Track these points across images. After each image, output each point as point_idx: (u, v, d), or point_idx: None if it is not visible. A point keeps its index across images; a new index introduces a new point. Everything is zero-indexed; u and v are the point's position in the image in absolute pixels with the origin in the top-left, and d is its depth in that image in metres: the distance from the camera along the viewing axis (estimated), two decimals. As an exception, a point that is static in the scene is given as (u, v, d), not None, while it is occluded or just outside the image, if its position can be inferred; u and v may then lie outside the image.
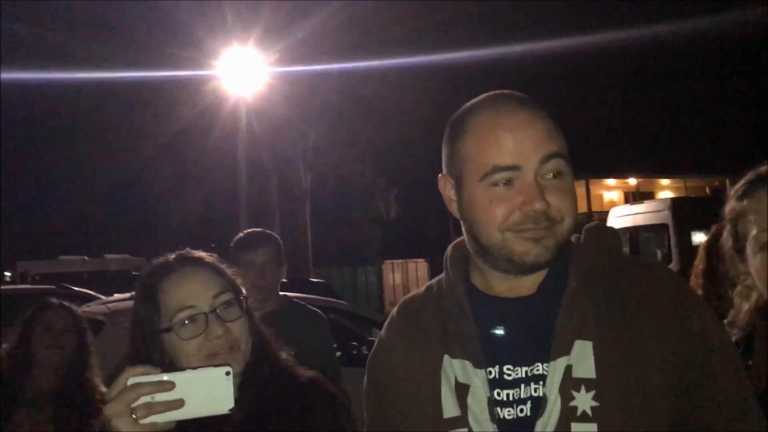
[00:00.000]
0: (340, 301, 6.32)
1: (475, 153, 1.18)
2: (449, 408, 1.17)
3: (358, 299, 19.39)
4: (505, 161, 1.15)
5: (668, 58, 26.46)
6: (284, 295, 3.09)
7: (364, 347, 5.09)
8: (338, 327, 5.11)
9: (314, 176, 23.42)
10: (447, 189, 1.25)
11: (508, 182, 1.15)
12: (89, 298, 7.02)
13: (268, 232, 3.08)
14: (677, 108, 27.75)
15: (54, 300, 2.70)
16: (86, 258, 21.82)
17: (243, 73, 16.61)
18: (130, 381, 1.14)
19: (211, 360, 1.30)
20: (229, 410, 1.17)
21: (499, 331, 1.19)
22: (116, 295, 5.72)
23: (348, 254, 24.34)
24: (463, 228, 1.24)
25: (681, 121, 27.47)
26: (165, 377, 1.15)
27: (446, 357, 1.20)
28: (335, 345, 3.40)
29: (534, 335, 1.17)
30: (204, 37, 18.30)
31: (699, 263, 2.63)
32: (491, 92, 1.24)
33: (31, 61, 18.93)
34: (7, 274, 23.06)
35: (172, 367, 1.30)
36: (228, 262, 2.96)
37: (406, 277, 21.83)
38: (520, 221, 1.14)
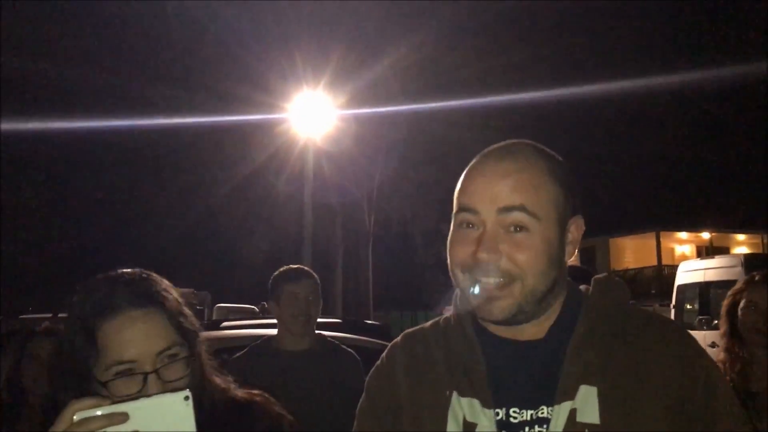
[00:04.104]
0: (383, 342, 6.26)
1: (457, 194, 1.24)
2: None
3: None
4: (467, 203, 1.19)
5: (746, 106, 25.66)
6: (319, 333, 3.10)
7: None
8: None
9: (378, 218, 23.55)
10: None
11: (470, 225, 1.19)
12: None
13: (308, 268, 3.11)
14: (756, 160, 26.78)
15: (38, 328, 2.66)
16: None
17: (312, 115, 16.99)
18: (77, 416, 1.01)
19: None
20: None
21: (508, 374, 1.20)
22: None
23: (409, 298, 24.21)
24: None
25: (760, 173, 26.48)
26: (117, 408, 1.04)
27: (455, 394, 1.20)
28: None
29: (541, 379, 1.18)
30: (275, 82, 18.87)
31: (722, 324, 2.67)
32: (509, 141, 1.29)
33: (112, 109, 19.86)
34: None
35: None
36: (268, 298, 2.91)
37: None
38: (471, 267, 1.17)
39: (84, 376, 1.21)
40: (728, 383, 1.24)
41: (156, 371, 1.20)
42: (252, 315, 13.69)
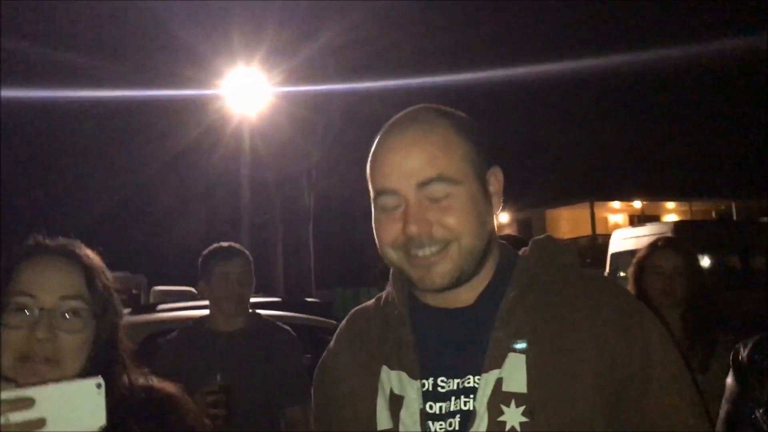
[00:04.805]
0: (330, 321, 6.26)
1: (370, 174, 1.23)
2: (383, 420, 1.15)
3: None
4: (385, 185, 1.18)
5: (673, 81, 26.53)
6: (254, 312, 3.05)
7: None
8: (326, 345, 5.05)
9: (317, 196, 23.42)
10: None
11: (394, 205, 1.17)
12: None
13: (239, 246, 3.03)
14: (684, 130, 27.77)
15: None
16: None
17: (247, 93, 16.68)
18: None
19: (23, 363, 1.10)
20: (100, 428, 1.02)
21: (437, 343, 1.17)
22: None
23: (352, 275, 24.26)
24: None
25: (688, 144, 27.48)
26: (22, 393, 0.98)
27: (384, 368, 1.18)
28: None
29: (469, 347, 1.14)
30: (208, 57, 18.42)
31: (631, 290, 2.74)
32: (402, 111, 1.25)
33: (33, 78, 19.07)
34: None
35: None
36: (199, 278, 2.89)
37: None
38: (405, 244, 1.16)
39: None
40: (673, 348, 1.16)
41: (51, 311, 1.16)
42: (191, 297, 13.45)
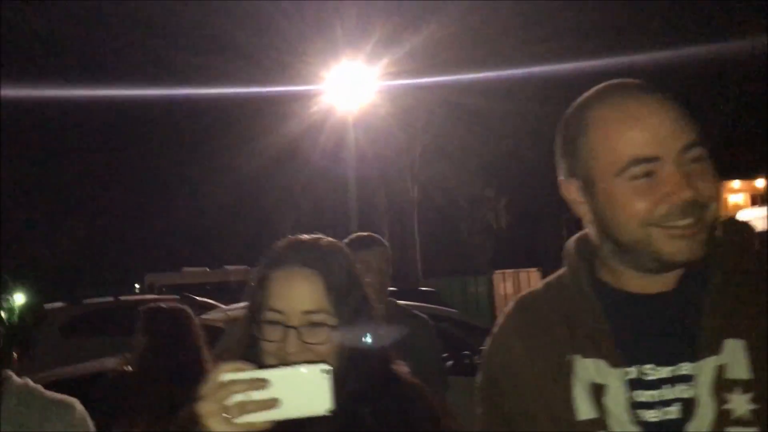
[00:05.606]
0: (450, 309, 6.26)
1: (606, 147, 1.11)
2: (585, 409, 1.11)
3: (468, 310, 19.25)
4: (643, 152, 1.08)
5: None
6: (391, 300, 3.04)
7: (477, 356, 5.03)
8: (449, 336, 5.06)
9: (422, 187, 23.51)
10: (571, 192, 1.17)
11: (648, 174, 1.08)
12: (211, 308, 7.36)
13: (378, 235, 3.03)
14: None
15: (169, 305, 2.83)
16: (208, 270, 22.90)
17: (351, 86, 16.96)
18: (224, 377, 1.07)
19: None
20: (327, 411, 1.09)
21: (637, 329, 1.12)
22: (235, 305, 5.97)
23: (458, 265, 24.23)
24: (593, 230, 1.17)
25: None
26: (259, 374, 1.08)
27: (577, 357, 1.13)
28: (445, 354, 3.35)
29: (676, 333, 1.10)
30: (314, 52, 18.84)
31: None
32: (605, 83, 1.16)
33: (151, 78, 19.98)
34: (137, 285, 24.63)
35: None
36: None
37: (518, 287, 21.40)
38: (666, 213, 1.07)
39: (255, 314, 1.30)
40: None
41: (297, 329, 1.26)
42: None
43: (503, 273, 22.01)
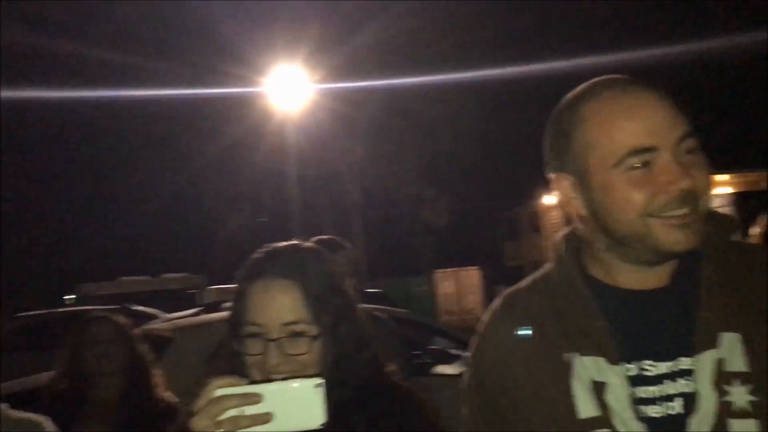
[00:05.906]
0: (398, 310, 6.31)
1: (602, 139, 1.11)
2: (586, 408, 1.10)
3: (412, 309, 19.43)
4: (641, 143, 1.08)
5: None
6: None
7: (427, 356, 5.06)
8: (402, 336, 5.10)
9: (363, 189, 23.54)
10: (564, 188, 1.17)
11: (645, 164, 1.09)
12: (151, 317, 7.22)
13: (340, 239, 2.97)
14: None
15: (97, 313, 2.76)
16: (150, 278, 22.35)
17: (290, 89, 16.88)
18: (217, 393, 1.08)
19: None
20: (320, 426, 1.09)
21: (632, 326, 1.13)
22: (179, 313, 5.88)
23: (400, 265, 24.36)
24: (585, 226, 1.17)
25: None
26: (252, 389, 1.09)
27: (575, 355, 1.13)
28: (411, 354, 3.38)
29: (672, 329, 1.11)
30: (252, 55, 18.65)
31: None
32: (596, 78, 1.17)
33: (78, 79, 19.38)
34: (71, 297, 23.82)
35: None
36: None
37: (458, 286, 21.69)
38: (665, 203, 1.08)
39: (235, 328, 1.29)
40: None
41: (277, 341, 1.25)
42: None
43: (444, 272, 22.26)
